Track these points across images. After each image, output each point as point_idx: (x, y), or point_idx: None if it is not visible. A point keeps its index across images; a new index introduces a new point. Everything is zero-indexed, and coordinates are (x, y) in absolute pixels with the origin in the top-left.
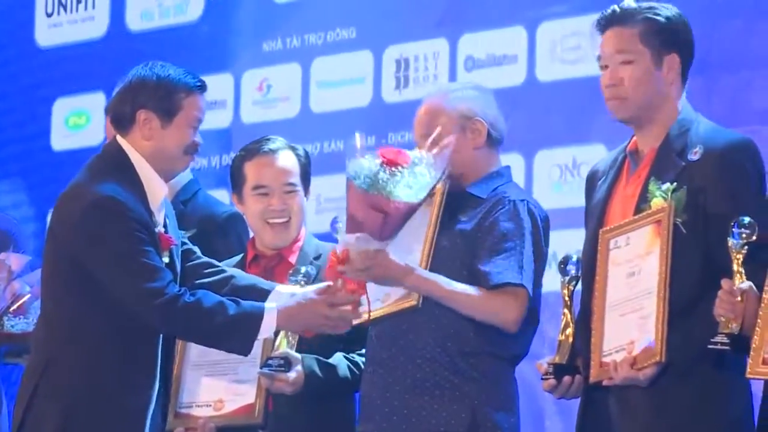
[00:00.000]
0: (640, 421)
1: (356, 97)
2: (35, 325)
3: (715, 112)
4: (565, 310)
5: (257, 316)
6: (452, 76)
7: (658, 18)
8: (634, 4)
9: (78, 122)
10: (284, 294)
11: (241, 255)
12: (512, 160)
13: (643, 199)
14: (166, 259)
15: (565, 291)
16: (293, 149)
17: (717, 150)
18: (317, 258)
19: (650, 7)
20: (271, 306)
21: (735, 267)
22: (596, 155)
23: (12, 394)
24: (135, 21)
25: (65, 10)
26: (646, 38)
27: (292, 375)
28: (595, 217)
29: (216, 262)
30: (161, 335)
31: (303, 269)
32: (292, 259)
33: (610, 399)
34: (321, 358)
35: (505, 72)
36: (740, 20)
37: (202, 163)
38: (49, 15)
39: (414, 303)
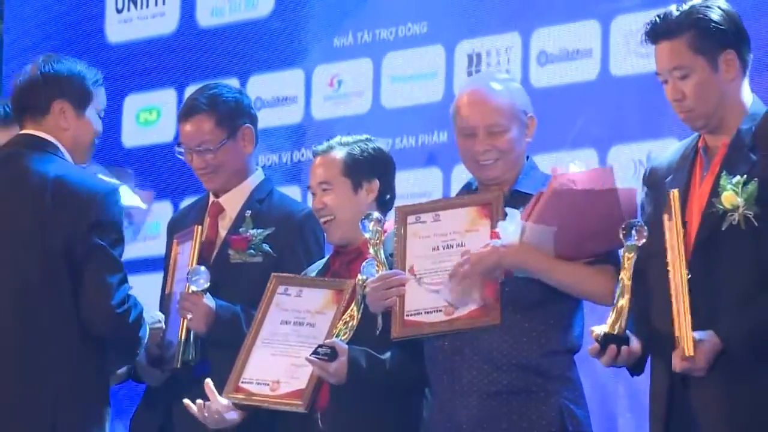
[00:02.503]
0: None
1: (428, 92)
2: None
3: None
4: (623, 276)
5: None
6: (525, 70)
7: (704, 22)
8: (677, 12)
9: (149, 118)
10: None
11: (327, 257)
12: (586, 156)
13: (715, 194)
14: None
15: (627, 256)
16: (348, 145)
17: None
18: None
19: (694, 11)
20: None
21: None
22: (668, 149)
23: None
24: (205, 17)
25: (135, 6)
26: (698, 46)
27: (333, 365)
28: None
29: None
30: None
31: (375, 214)
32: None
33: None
34: (371, 351)
35: (579, 66)
36: None
37: (273, 159)
38: (119, 11)
39: (497, 322)
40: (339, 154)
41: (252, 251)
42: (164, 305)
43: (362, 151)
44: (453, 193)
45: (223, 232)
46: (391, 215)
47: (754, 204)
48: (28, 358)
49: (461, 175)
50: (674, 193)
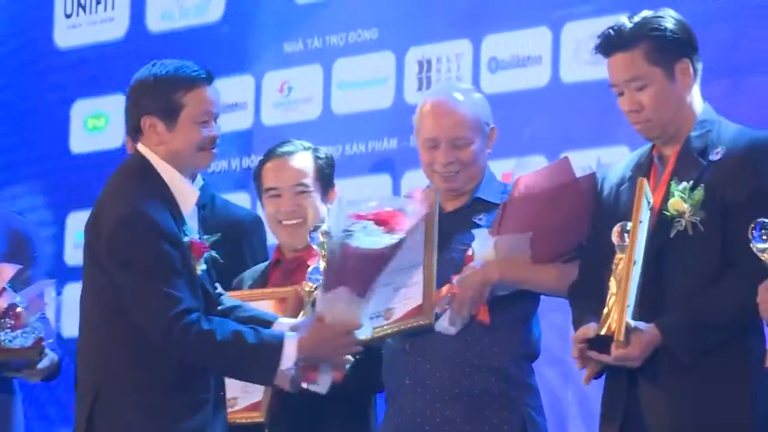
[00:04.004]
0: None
1: (378, 99)
2: (78, 350)
3: (742, 114)
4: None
5: (277, 346)
6: (475, 77)
7: (659, 32)
8: (630, 23)
9: (97, 124)
10: (285, 325)
11: (267, 261)
12: (537, 162)
13: (665, 200)
14: (203, 266)
15: (618, 256)
16: (313, 151)
17: (740, 149)
18: None
19: (647, 22)
20: (290, 334)
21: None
22: (620, 157)
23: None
24: (155, 22)
25: (84, 11)
26: (654, 57)
27: None
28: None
29: (222, 292)
30: None
31: (323, 266)
32: (312, 262)
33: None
34: None
35: (530, 73)
36: (766, 20)
37: (222, 165)
38: (68, 16)
39: (429, 322)
40: (309, 157)
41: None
42: None
43: (326, 157)
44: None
45: None
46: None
47: (701, 209)
48: None
49: (411, 182)
50: (641, 181)
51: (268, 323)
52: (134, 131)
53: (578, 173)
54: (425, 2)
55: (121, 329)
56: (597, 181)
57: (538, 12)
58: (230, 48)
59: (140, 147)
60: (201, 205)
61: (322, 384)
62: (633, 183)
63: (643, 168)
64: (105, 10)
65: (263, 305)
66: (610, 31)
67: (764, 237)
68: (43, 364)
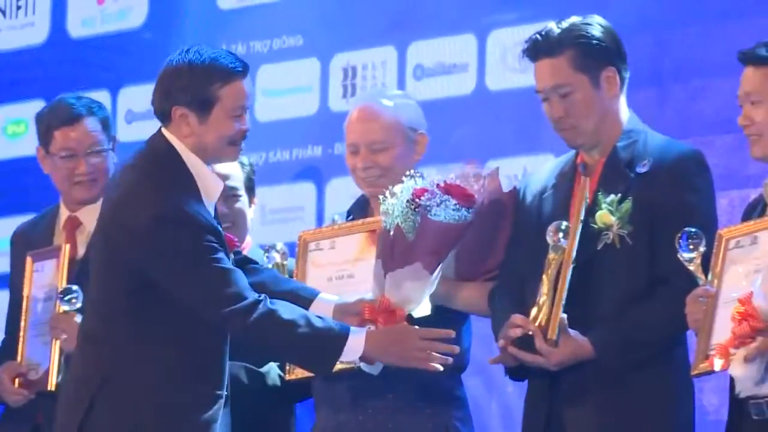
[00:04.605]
0: (589, 424)
1: (303, 106)
2: (84, 335)
3: (668, 123)
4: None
5: (342, 337)
6: (401, 84)
7: (586, 39)
8: (557, 29)
9: (17, 131)
10: (327, 301)
11: None
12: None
13: (592, 212)
14: (231, 261)
15: (552, 257)
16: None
17: (667, 162)
18: None
19: (575, 28)
20: (357, 330)
21: (695, 276)
22: (545, 164)
23: None
24: (76, 27)
25: (4, 15)
26: (579, 64)
27: None
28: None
29: (252, 259)
30: (227, 346)
31: (279, 245)
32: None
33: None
34: (249, 366)
35: (455, 81)
36: (692, 29)
37: None
38: None
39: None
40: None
41: None
42: (13, 324)
43: (251, 165)
44: (328, 206)
45: (81, 248)
46: None
47: (628, 223)
48: None
49: (335, 189)
50: (584, 181)
51: (306, 299)
52: (163, 118)
53: (504, 185)
54: (350, 9)
55: (139, 322)
56: (519, 194)
57: (464, 19)
58: (153, 54)
59: (167, 133)
60: None
61: (376, 365)
62: (556, 190)
63: (567, 176)
64: (25, 15)
65: (351, 241)
66: (538, 36)
67: (691, 247)
68: None
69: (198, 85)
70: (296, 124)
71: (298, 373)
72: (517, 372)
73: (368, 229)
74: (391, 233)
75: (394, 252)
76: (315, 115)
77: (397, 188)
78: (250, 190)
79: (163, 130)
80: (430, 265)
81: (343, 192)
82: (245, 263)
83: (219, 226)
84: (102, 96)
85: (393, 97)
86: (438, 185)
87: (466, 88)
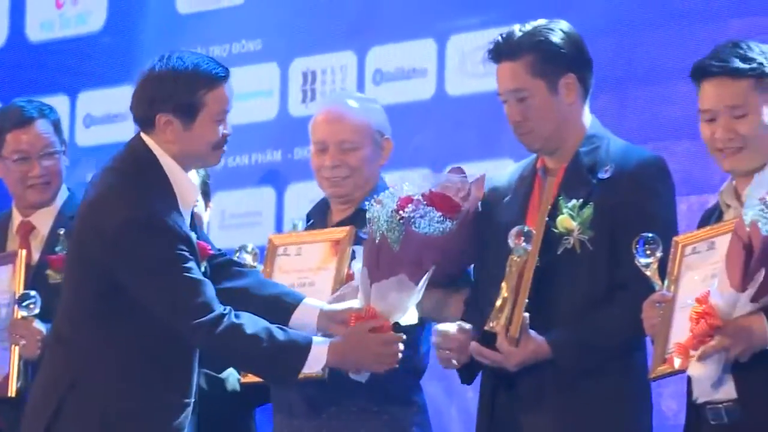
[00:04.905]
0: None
1: (263, 111)
2: (47, 340)
3: (628, 128)
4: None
5: (304, 348)
6: (360, 89)
7: (545, 45)
8: (520, 32)
9: None
10: (311, 307)
11: None
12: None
13: (553, 216)
14: (202, 270)
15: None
16: None
17: (628, 169)
18: None
19: (536, 33)
20: (321, 340)
21: (652, 281)
22: (505, 169)
23: None
24: (35, 31)
25: None
26: (536, 69)
27: None
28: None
29: (238, 261)
30: (196, 354)
31: (250, 247)
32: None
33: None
34: (209, 372)
35: (415, 85)
36: (652, 34)
37: None
38: None
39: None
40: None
41: None
42: None
43: (206, 171)
44: (287, 210)
45: (36, 253)
46: None
47: (589, 228)
48: None
49: (295, 194)
50: (550, 182)
51: (290, 305)
52: (145, 125)
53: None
54: (310, 13)
55: (109, 326)
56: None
57: (424, 24)
58: (112, 58)
59: (147, 139)
60: (70, 217)
61: (363, 373)
62: (516, 195)
63: (527, 180)
64: None
65: (316, 249)
66: (500, 38)
67: (648, 252)
68: None
69: (183, 92)
70: (256, 128)
71: (253, 375)
72: (467, 374)
73: (333, 238)
74: (377, 241)
75: (379, 261)
76: (274, 120)
77: (383, 196)
78: (206, 194)
79: (144, 136)
80: (414, 276)
81: (302, 197)
82: (230, 265)
83: (192, 235)
84: (61, 100)
85: (361, 99)
86: (423, 194)
87: (426, 93)
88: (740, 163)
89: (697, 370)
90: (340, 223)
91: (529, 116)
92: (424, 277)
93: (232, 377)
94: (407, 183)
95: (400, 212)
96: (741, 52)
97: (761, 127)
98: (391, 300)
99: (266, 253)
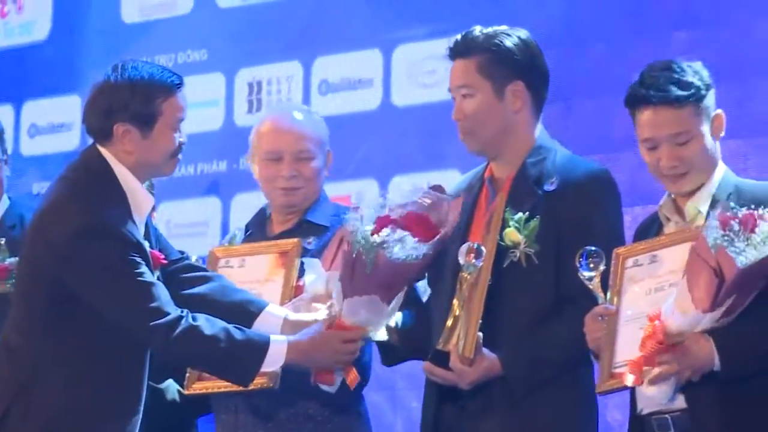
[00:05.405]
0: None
1: (208, 121)
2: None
3: (574, 139)
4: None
5: (263, 347)
6: (306, 100)
7: (498, 48)
8: (478, 33)
9: None
10: (275, 315)
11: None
12: (367, 186)
13: (500, 229)
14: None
15: (464, 276)
16: None
17: (573, 181)
18: None
19: (493, 36)
20: (279, 339)
21: (595, 294)
22: (452, 180)
23: None
24: None
25: None
26: (485, 70)
27: None
28: (456, 245)
29: (201, 266)
30: (147, 362)
31: (194, 258)
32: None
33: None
34: (148, 382)
35: (361, 96)
36: (599, 46)
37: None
38: None
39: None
40: None
41: (14, 280)
42: None
43: (150, 182)
44: (233, 220)
45: None
46: None
47: (535, 242)
48: None
49: (240, 204)
50: (500, 198)
51: (253, 314)
52: (102, 136)
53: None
54: (256, 23)
55: (58, 334)
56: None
57: (370, 34)
58: (56, 68)
59: (101, 149)
60: (10, 226)
61: (334, 384)
62: (463, 205)
63: (474, 190)
64: None
65: (261, 261)
66: (459, 37)
67: (591, 265)
68: None
69: (141, 101)
70: (201, 138)
71: (197, 387)
72: (390, 356)
73: (279, 250)
74: (353, 255)
75: (353, 275)
76: (220, 130)
77: (365, 210)
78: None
79: (98, 146)
80: (385, 298)
81: (248, 207)
82: (191, 270)
83: (146, 243)
84: (5, 110)
85: (305, 111)
86: (401, 216)
87: (372, 103)
88: (686, 186)
89: (651, 391)
90: (282, 234)
91: (469, 116)
92: (396, 298)
93: (171, 387)
94: (390, 193)
95: (375, 236)
96: (676, 77)
97: (703, 149)
98: (361, 317)
99: (207, 265)
